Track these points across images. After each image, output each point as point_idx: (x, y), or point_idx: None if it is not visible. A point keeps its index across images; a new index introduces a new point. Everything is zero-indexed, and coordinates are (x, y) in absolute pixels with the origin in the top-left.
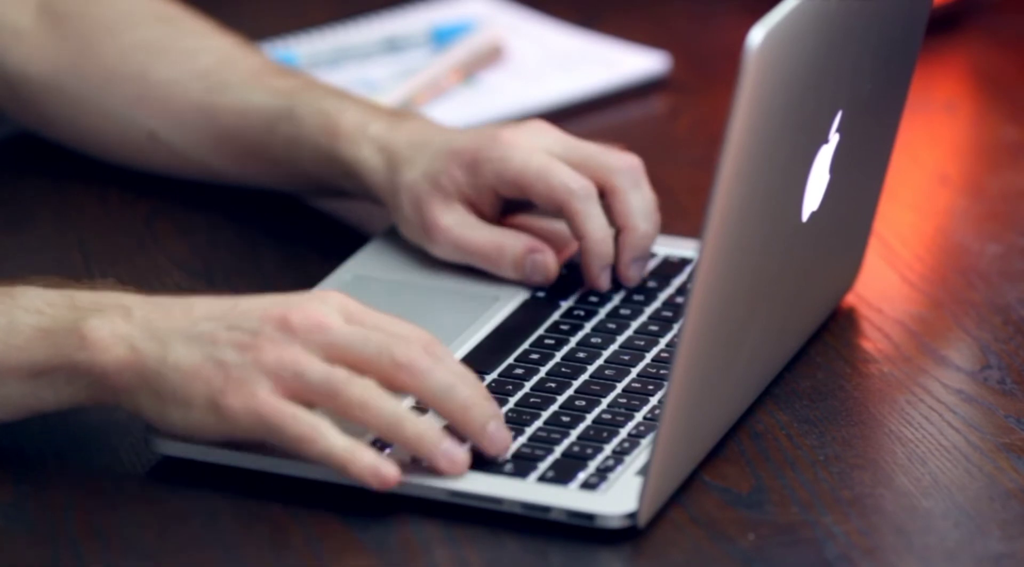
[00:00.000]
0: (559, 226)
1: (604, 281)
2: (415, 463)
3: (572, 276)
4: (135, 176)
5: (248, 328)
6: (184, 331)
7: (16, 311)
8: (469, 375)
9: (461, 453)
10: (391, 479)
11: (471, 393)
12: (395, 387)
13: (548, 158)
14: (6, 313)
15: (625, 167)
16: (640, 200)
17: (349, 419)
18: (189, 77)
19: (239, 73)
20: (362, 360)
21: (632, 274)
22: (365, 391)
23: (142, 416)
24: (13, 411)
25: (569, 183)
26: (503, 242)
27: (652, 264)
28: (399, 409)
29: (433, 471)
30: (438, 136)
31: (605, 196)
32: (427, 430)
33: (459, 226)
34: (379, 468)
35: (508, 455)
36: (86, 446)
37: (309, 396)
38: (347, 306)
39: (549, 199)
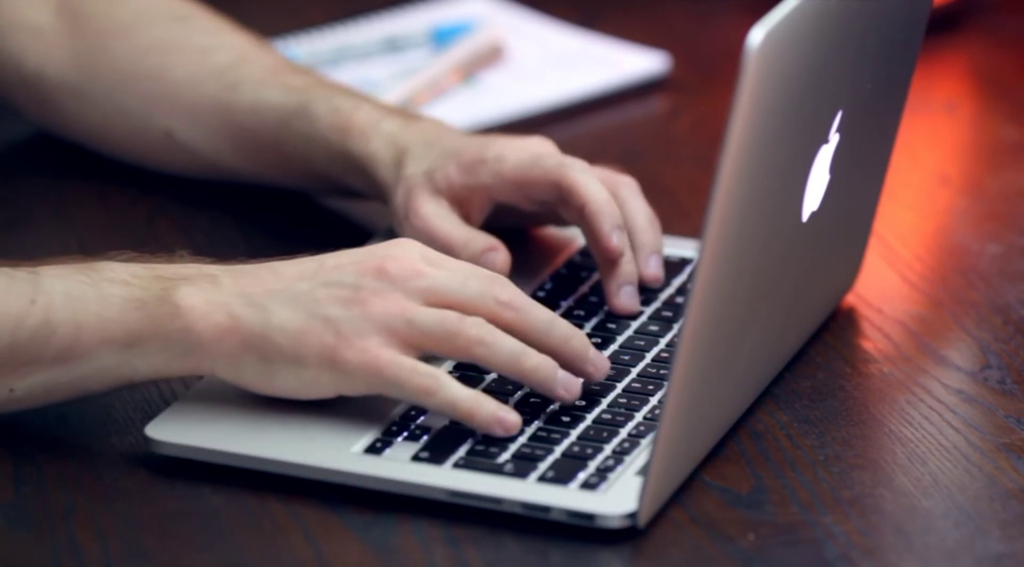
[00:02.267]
0: (561, 231)
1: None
2: (415, 462)
3: (572, 276)
4: (135, 175)
5: (347, 283)
6: (281, 294)
7: (104, 284)
8: (556, 315)
9: (576, 383)
10: (515, 425)
11: (567, 324)
12: (499, 325)
13: (541, 152)
14: (94, 286)
15: (627, 181)
16: (643, 207)
17: (469, 358)
18: (205, 75)
19: (254, 71)
20: (465, 301)
21: (652, 270)
22: (481, 328)
23: (242, 383)
24: (107, 381)
25: (561, 159)
26: (470, 238)
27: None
28: (516, 343)
29: (552, 398)
30: (447, 137)
31: None
32: (543, 362)
33: (435, 217)
34: (503, 416)
35: (508, 455)
36: (86, 446)
37: (424, 342)
38: (425, 252)
39: (546, 181)
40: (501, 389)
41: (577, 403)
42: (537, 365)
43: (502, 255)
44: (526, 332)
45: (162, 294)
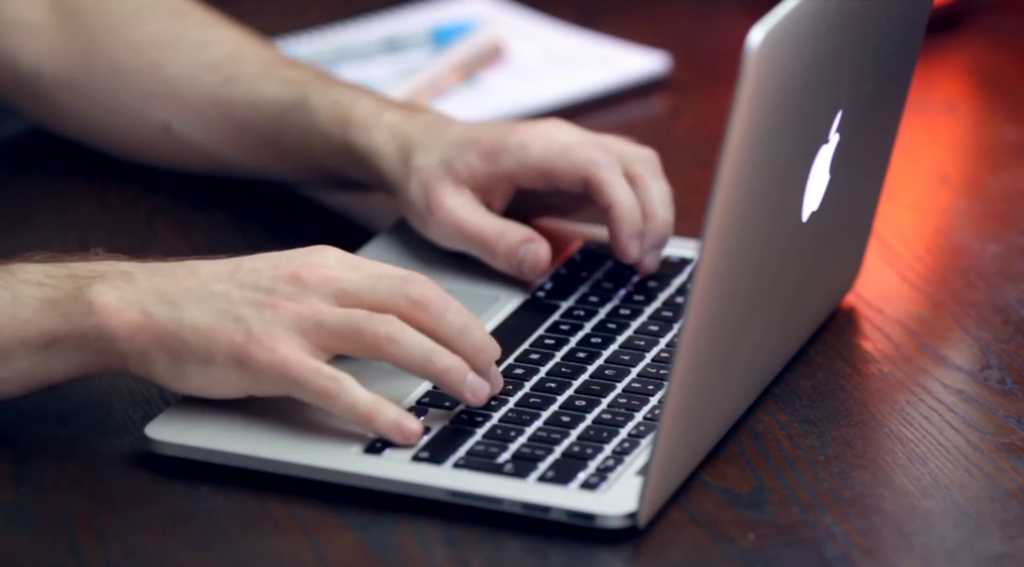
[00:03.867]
0: (563, 225)
1: (635, 249)
2: (415, 462)
3: (572, 276)
4: (135, 175)
5: (261, 286)
6: (195, 292)
7: (17, 285)
8: (474, 316)
9: (484, 385)
10: (414, 433)
11: (482, 333)
12: (412, 325)
13: (567, 141)
14: (8, 287)
15: (644, 156)
16: (659, 189)
17: (378, 356)
18: (202, 70)
19: (251, 64)
20: (378, 303)
21: (649, 262)
22: (391, 325)
23: (153, 379)
24: (26, 384)
25: (592, 155)
26: (504, 229)
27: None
28: (427, 341)
29: (460, 400)
30: (455, 126)
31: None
32: (455, 363)
33: (463, 208)
34: (403, 422)
35: (508, 455)
36: (86, 446)
37: (333, 342)
38: (346, 258)
39: (573, 175)
40: (502, 390)
41: (577, 403)
42: (447, 366)
43: (543, 247)
44: (438, 333)
45: (76, 293)
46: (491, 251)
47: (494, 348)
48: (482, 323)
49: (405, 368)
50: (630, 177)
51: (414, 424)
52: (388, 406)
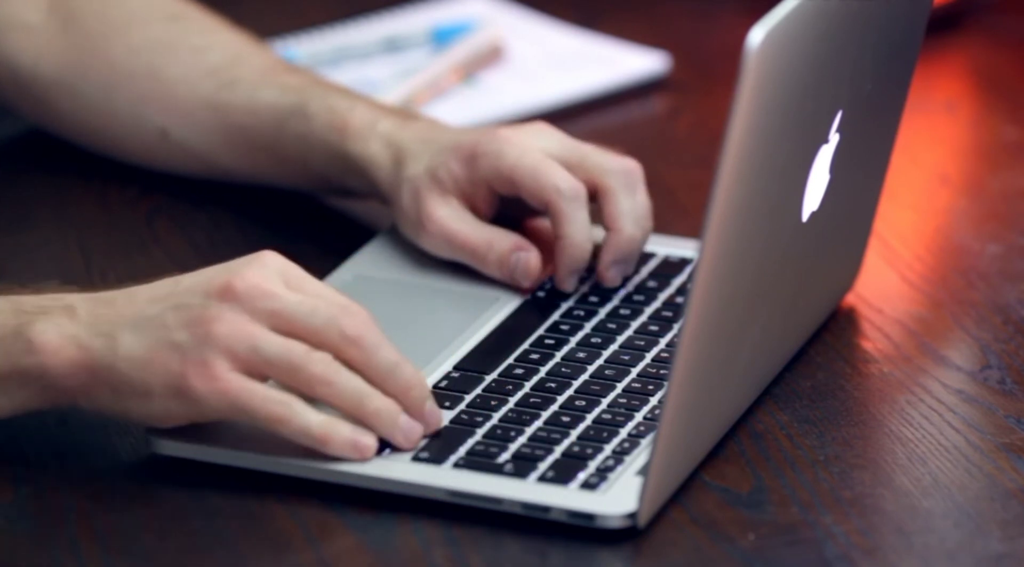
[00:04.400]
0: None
1: (569, 284)
2: (415, 462)
3: None
4: (135, 175)
5: (195, 304)
6: (130, 319)
7: None
8: (404, 358)
9: (417, 428)
10: (369, 449)
11: (412, 372)
12: (343, 360)
13: (542, 157)
14: None
15: (620, 169)
16: (631, 204)
17: (310, 394)
18: (199, 75)
19: (249, 70)
20: (310, 331)
21: (611, 275)
22: (327, 367)
23: (102, 414)
24: None
25: (558, 182)
26: (492, 238)
27: (652, 264)
28: (361, 384)
29: (391, 443)
30: (444, 134)
31: (597, 196)
32: (385, 406)
33: (452, 219)
34: (358, 440)
35: (508, 455)
36: (86, 446)
37: (267, 370)
38: (286, 269)
39: (537, 197)
40: (500, 389)
41: (577, 403)
42: (378, 409)
43: (533, 254)
44: (367, 371)
45: (18, 329)
46: (481, 261)
47: (423, 386)
48: (413, 365)
49: (336, 408)
50: (601, 190)
51: (368, 439)
52: (341, 426)
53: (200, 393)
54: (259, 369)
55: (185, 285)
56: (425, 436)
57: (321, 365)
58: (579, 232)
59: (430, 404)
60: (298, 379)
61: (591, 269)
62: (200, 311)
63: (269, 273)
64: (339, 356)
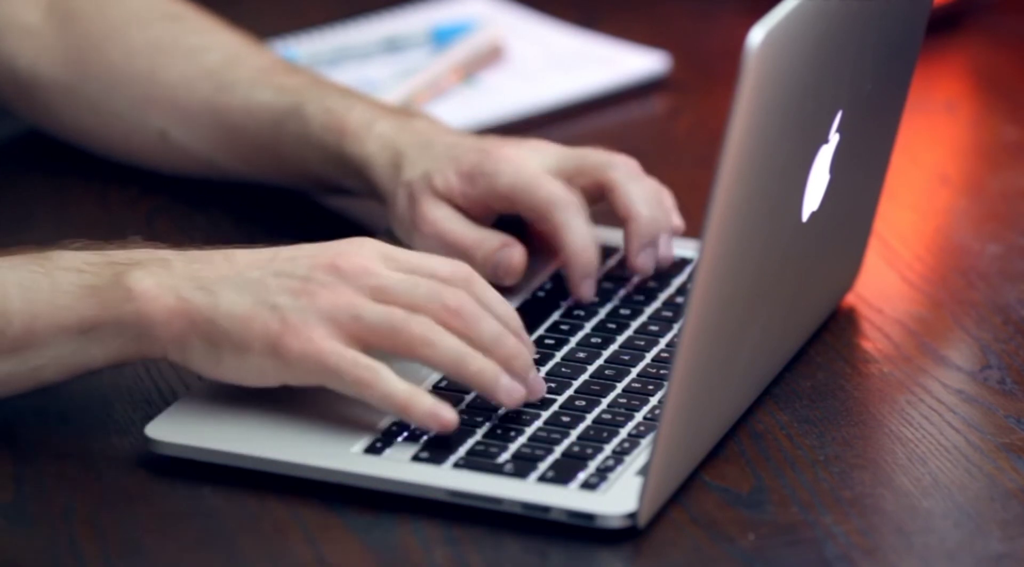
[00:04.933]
0: None
1: (585, 290)
2: (415, 462)
3: None
4: (135, 175)
5: (298, 274)
6: (232, 279)
7: (56, 272)
8: (511, 316)
9: (519, 388)
10: (451, 422)
11: (515, 342)
12: (447, 329)
13: (536, 172)
14: (47, 275)
15: (620, 160)
16: (639, 188)
17: (412, 357)
18: (197, 76)
19: (247, 71)
20: (413, 305)
21: (642, 262)
22: (427, 328)
23: (190, 366)
24: (65, 370)
25: (551, 195)
26: (483, 237)
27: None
28: (461, 345)
29: (495, 403)
30: (442, 139)
31: (605, 192)
32: (487, 366)
33: (444, 220)
34: (439, 411)
35: (508, 455)
36: (86, 446)
37: (369, 337)
38: (385, 250)
39: (534, 212)
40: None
41: (577, 403)
42: (481, 369)
43: (517, 251)
44: (471, 341)
45: (114, 279)
46: (470, 258)
47: (527, 355)
48: (519, 328)
49: (437, 369)
50: (607, 186)
51: (450, 413)
52: (424, 396)
53: (295, 354)
54: (360, 336)
55: (286, 255)
56: (529, 402)
57: (420, 326)
58: (580, 238)
59: (533, 373)
60: (398, 341)
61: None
62: (303, 281)
63: (369, 252)
64: (443, 325)
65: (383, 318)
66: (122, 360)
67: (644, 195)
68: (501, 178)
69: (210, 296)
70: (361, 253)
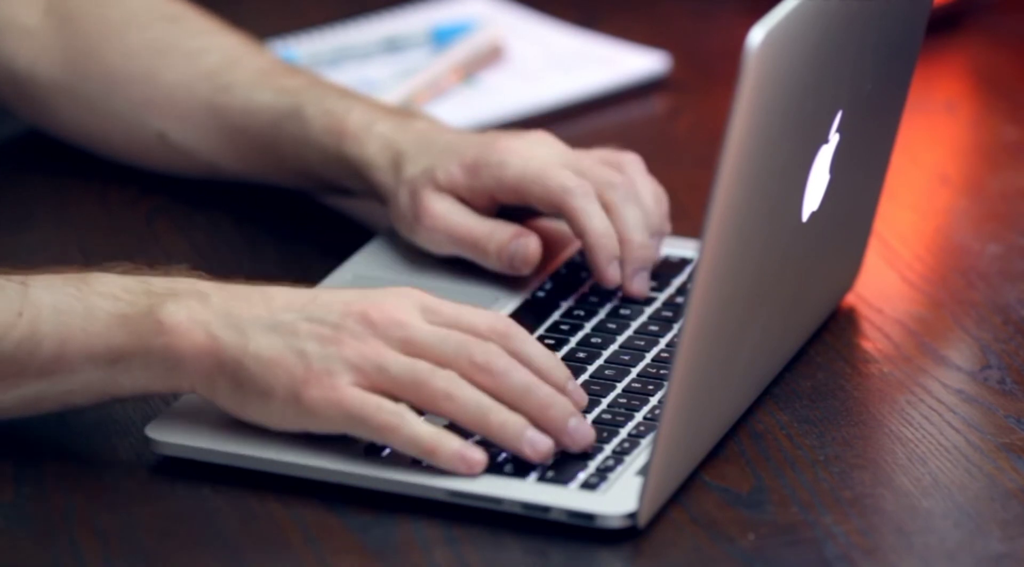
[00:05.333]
0: (562, 226)
1: (613, 273)
2: (415, 463)
3: (572, 276)
4: (135, 175)
5: (330, 321)
6: (264, 320)
7: (92, 298)
8: (553, 367)
9: (545, 442)
10: (479, 464)
11: (548, 392)
12: (474, 385)
13: (545, 162)
14: (82, 299)
15: (620, 181)
16: (634, 213)
17: (433, 410)
18: (196, 77)
19: (246, 72)
20: (441, 359)
21: (636, 287)
22: (450, 382)
23: (218, 404)
24: (92, 397)
25: (565, 182)
26: (493, 229)
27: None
28: (484, 399)
29: (521, 457)
30: (443, 136)
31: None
32: (511, 419)
33: (450, 213)
34: (466, 453)
35: (508, 455)
36: (86, 446)
37: (392, 388)
38: (424, 301)
39: (547, 200)
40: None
41: None
42: (503, 422)
43: (532, 240)
44: (500, 396)
45: (148, 310)
46: (482, 251)
47: (563, 404)
48: (559, 370)
49: (462, 425)
50: (604, 206)
51: (478, 454)
52: (450, 438)
53: (317, 402)
54: (384, 387)
55: (323, 300)
56: (574, 452)
57: (444, 381)
58: (600, 223)
59: (573, 422)
60: (422, 395)
61: (587, 271)
62: (333, 329)
63: (406, 304)
64: (470, 381)
65: (407, 370)
66: (150, 391)
67: (638, 220)
68: (509, 169)
69: (241, 336)
70: (398, 304)
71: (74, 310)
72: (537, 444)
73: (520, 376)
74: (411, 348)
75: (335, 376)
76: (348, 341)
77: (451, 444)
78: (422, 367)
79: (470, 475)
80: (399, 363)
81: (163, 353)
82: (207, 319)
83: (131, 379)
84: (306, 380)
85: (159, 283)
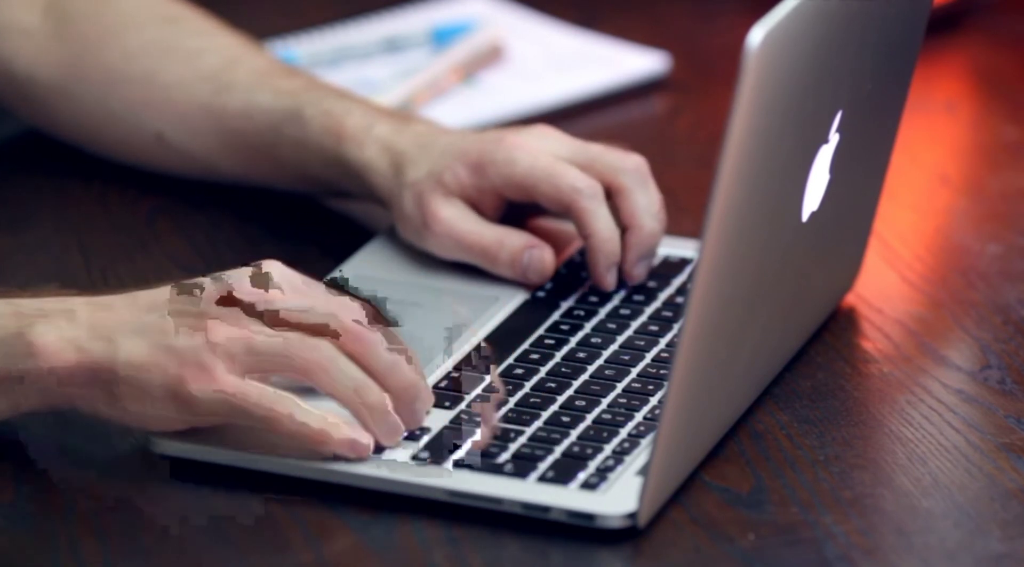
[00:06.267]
0: (562, 225)
1: (610, 279)
2: (415, 460)
3: (572, 276)
4: (135, 175)
5: (193, 310)
6: (130, 324)
7: None
8: (407, 352)
9: (399, 428)
10: (367, 449)
11: (410, 372)
12: (343, 353)
13: (554, 159)
14: None
15: (631, 167)
16: (646, 199)
17: (308, 382)
18: (195, 78)
19: (244, 74)
20: (309, 328)
21: (638, 272)
22: (322, 353)
23: (100, 416)
24: None
25: (575, 182)
26: (503, 237)
27: (654, 262)
28: (358, 373)
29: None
30: (443, 137)
31: (612, 196)
32: (379, 401)
33: (459, 220)
34: (356, 440)
35: (508, 455)
36: (86, 446)
37: (265, 366)
38: (286, 274)
39: (556, 199)
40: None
41: (577, 403)
42: (373, 403)
43: (548, 252)
44: (368, 365)
45: (17, 331)
46: (492, 260)
47: (422, 387)
48: (413, 360)
49: (331, 396)
50: (615, 189)
51: (366, 439)
52: (338, 424)
53: (196, 396)
54: (257, 367)
55: (185, 291)
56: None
57: (315, 352)
58: (607, 227)
59: (419, 405)
60: (294, 366)
61: (587, 271)
62: (197, 317)
63: (267, 279)
64: (340, 349)
65: (276, 344)
66: (31, 411)
67: (649, 207)
68: (517, 166)
69: (110, 345)
70: (261, 279)
71: None
72: (395, 427)
73: (387, 351)
74: (278, 321)
75: (209, 367)
76: (213, 326)
77: (340, 431)
78: (292, 338)
79: (358, 460)
80: (267, 339)
81: (36, 375)
82: (75, 335)
83: (7, 401)
84: (180, 376)
85: (27, 304)
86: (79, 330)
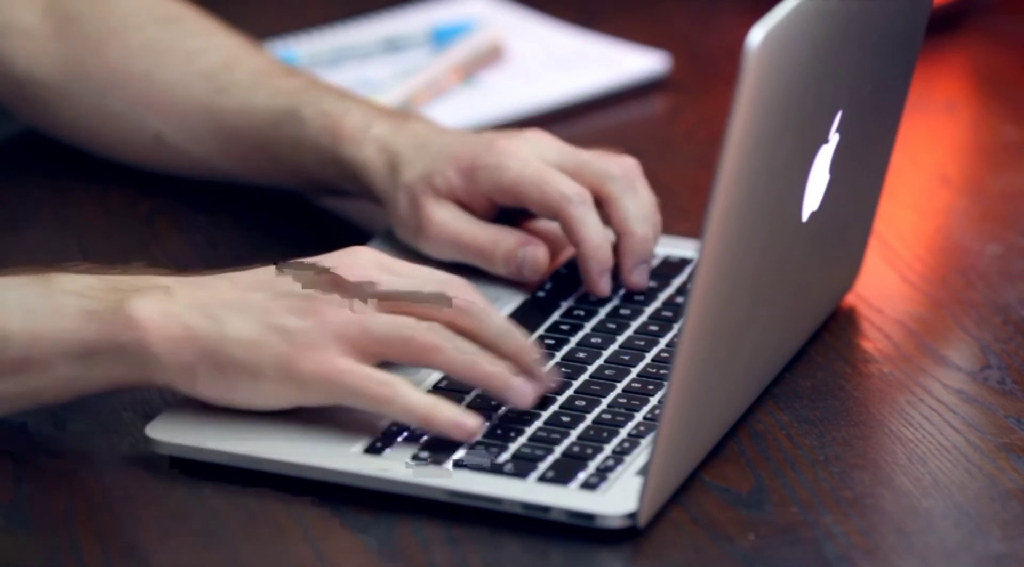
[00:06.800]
0: (558, 228)
1: (604, 286)
2: (415, 459)
3: (572, 276)
4: (135, 175)
5: (300, 293)
6: (235, 303)
7: (58, 295)
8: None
9: (530, 389)
10: (474, 430)
11: (521, 338)
12: (454, 330)
13: (543, 166)
14: (48, 297)
15: (619, 173)
16: (636, 205)
17: (424, 364)
18: (194, 78)
19: (243, 74)
20: (419, 308)
21: (636, 280)
22: (437, 334)
23: (197, 393)
24: (65, 392)
25: (564, 189)
26: (497, 236)
27: (652, 264)
28: (472, 348)
29: (505, 404)
30: (438, 139)
31: (601, 204)
32: (501, 368)
33: (453, 221)
34: (462, 420)
35: (508, 455)
36: (86, 446)
37: (380, 349)
38: (380, 259)
39: (544, 206)
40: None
41: (577, 403)
42: (492, 372)
43: (541, 248)
44: (481, 337)
45: (116, 305)
46: (488, 259)
47: (533, 350)
48: (518, 332)
49: (451, 374)
50: (604, 197)
51: (473, 421)
52: (445, 405)
53: (308, 376)
54: (371, 349)
55: (285, 274)
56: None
57: (431, 333)
58: (596, 234)
59: (535, 363)
60: (410, 350)
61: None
62: (306, 300)
63: (368, 262)
64: (451, 326)
65: (392, 328)
66: (124, 385)
67: (640, 212)
68: (506, 172)
69: (216, 323)
70: (359, 263)
71: (41, 308)
72: (524, 391)
73: (499, 318)
74: (387, 304)
75: (321, 348)
76: (324, 309)
77: (446, 411)
78: (406, 323)
79: (465, 440)
80: (382, 322)
81: (137, 348)
82: (178, 311)
83: (103, 374)
84: (293, 355)
85: (121, 280)
86: (180, 306)
